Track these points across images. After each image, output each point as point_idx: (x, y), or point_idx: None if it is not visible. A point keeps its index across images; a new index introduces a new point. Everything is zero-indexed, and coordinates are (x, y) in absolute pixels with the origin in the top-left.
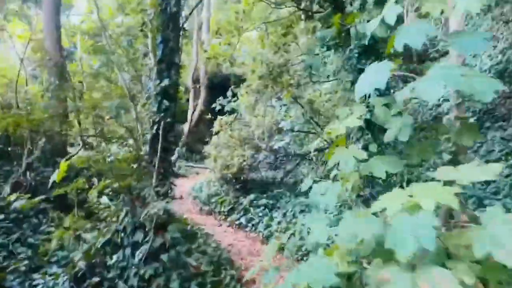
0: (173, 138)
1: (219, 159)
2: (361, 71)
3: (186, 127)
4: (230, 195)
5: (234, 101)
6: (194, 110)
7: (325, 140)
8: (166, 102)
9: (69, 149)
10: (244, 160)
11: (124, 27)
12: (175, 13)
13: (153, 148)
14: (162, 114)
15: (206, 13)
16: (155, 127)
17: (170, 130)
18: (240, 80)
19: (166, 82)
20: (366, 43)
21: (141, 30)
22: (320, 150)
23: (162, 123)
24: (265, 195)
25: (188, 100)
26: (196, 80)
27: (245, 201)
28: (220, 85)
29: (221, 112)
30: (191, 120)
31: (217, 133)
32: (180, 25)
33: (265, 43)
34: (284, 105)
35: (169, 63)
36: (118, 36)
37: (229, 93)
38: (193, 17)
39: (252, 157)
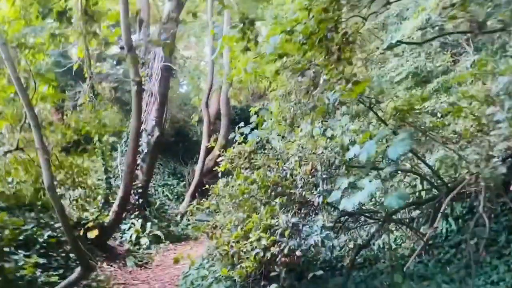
0: None
1: (218, 235)
2: None
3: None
4: None
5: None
6: (210, 146)
7: (435, 184)
8: None
9: None
10: (275, 243)
11: None
12: None
13: None
14: None
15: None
16: None
17: None
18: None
19: None
20: None
21: None
22: (422, 204)
23: None
24: None
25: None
26: (217, 112)
27: None
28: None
29: None
30: (205, 157)
31: (225, 174)
32: None
33: None
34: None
35: None
36: None
37: (253, 118)
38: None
39: (293, 230)
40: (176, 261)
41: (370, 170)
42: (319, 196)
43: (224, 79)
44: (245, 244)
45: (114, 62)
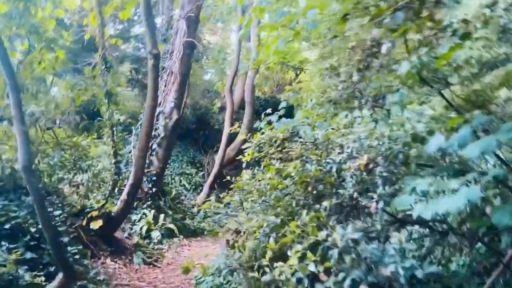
0: None
1: (242, 244)
2: None
3: (220, 154)
4: None
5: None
6: (232, 131)
7: None
8: None
9: None
10: (329, 269)
11: None
12: None
13: None
14: None
15: None
16: None
17: None
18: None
19: None
20: None
21: None
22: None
23: None
24: None
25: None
26: (241, 99)
27: None
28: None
29: None
30: (226, 147)
31: (249, 165)
32: None
33: None
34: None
35: None
36: None
37: (283, 104)
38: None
39: (350, 248)
40: (187, 270)
41: (457, 171)
42: (377, 201)
43: (251, 64)
44: (282, 267)
45: (138, 44)
